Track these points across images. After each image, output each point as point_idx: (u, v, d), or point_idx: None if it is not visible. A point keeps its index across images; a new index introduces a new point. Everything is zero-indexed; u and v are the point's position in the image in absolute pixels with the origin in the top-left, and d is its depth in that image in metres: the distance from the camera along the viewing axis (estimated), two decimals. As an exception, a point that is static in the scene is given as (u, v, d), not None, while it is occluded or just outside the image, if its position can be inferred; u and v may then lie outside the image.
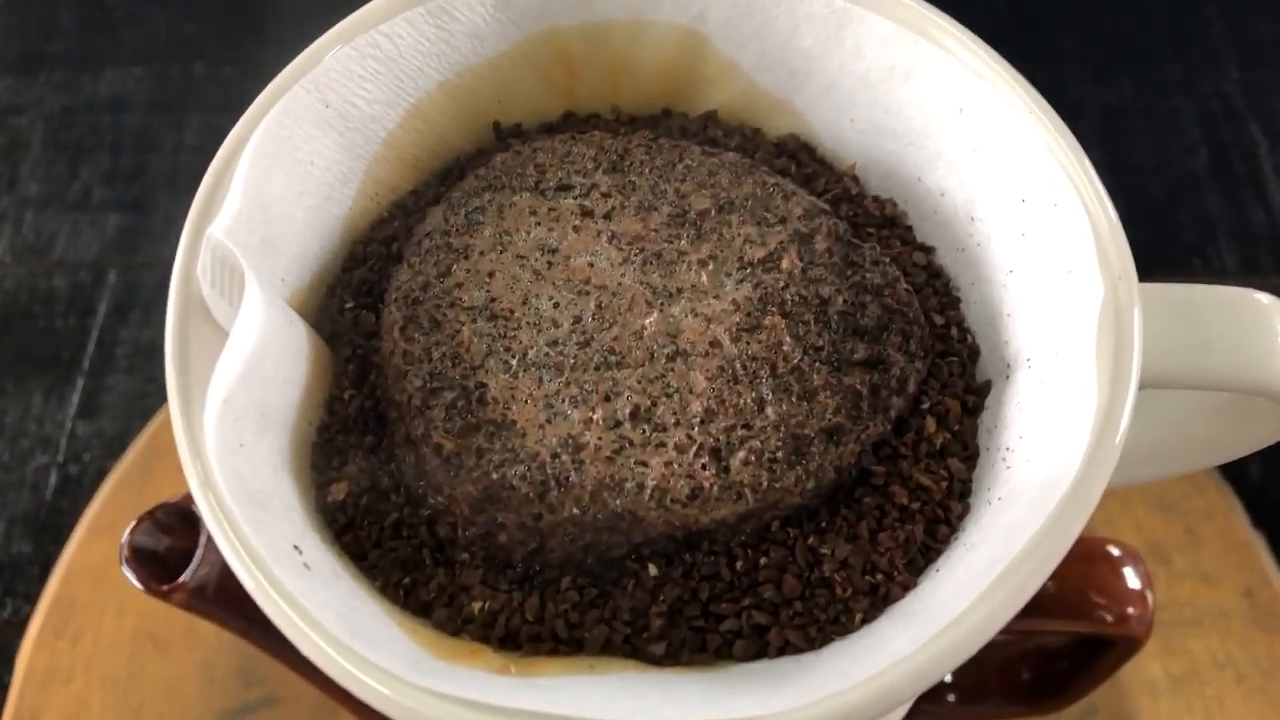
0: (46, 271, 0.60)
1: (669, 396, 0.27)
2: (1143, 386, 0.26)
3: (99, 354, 0.57)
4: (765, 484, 0.26)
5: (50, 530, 0.52)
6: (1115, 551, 0.34)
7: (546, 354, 0.28)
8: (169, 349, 0.26)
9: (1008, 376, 0.29)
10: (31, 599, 0.50)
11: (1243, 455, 0.31)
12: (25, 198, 0.62)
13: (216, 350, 0.26)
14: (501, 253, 0.30)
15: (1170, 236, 0.61)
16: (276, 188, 0.29)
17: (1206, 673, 0.47)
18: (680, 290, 0.29)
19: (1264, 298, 0.27)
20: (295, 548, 0.24)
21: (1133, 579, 0.34)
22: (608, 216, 0.31)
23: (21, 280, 0.59)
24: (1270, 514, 0.50)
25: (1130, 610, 0.34)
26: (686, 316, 0.29)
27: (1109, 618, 0.34)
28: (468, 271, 0.30)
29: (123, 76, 0.67)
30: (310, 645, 0.22)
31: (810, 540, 0.27)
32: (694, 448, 0.27)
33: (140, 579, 0.32)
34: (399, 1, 0.30)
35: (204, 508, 0.24)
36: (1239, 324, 0.27)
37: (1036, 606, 0.33)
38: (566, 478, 0.26)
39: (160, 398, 0.55)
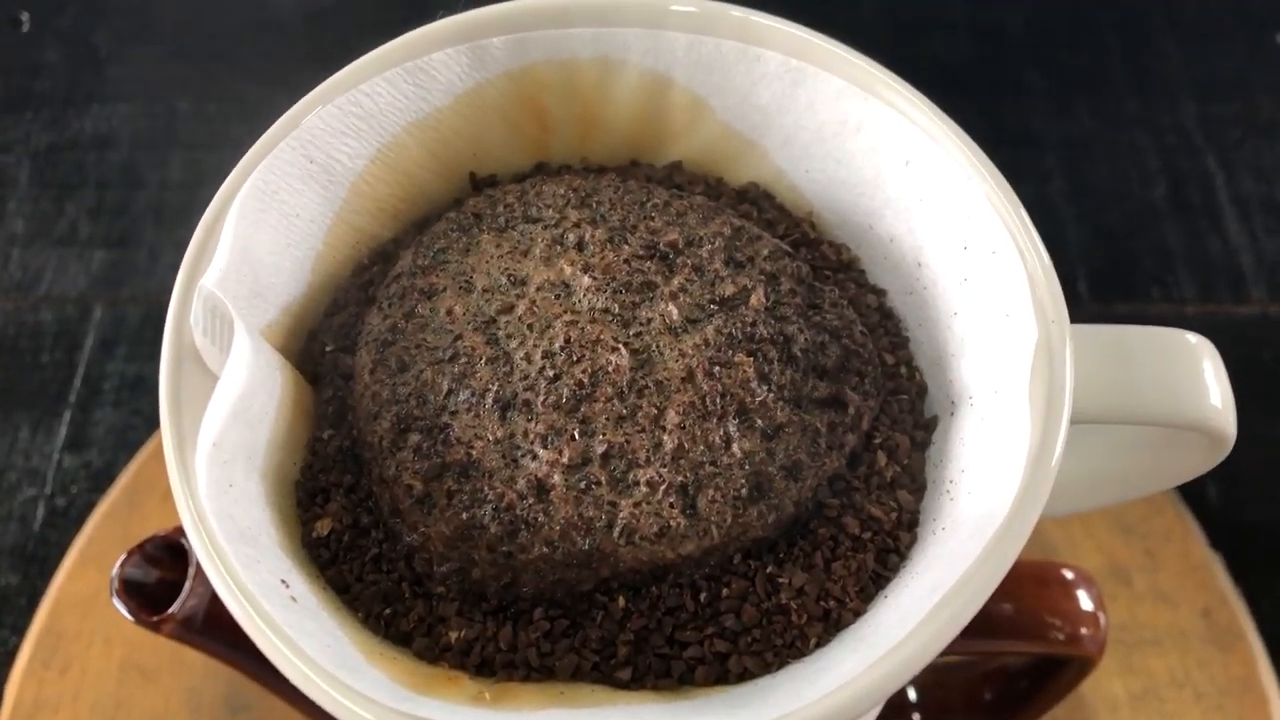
0: (33, 306, 0.61)
1: (640, 433, 0.28)
2: (1080, 422, 0.27)
3: (85, 388, 0.58)
4: (730, 520, 0.27)
5: (38, 562, 0.53)
6: (1069, 575, 0.36)
7: (515, 391, 0.29)
8: (163, 395, 0.27)
9: (952, 413, 0.30)
10: (20, 630, 0.50)
11: (1177, 484, 0.33)
12: (12, 234, 0.63)
13: (208, 396, 0.27)
14: (467, 291, 0.31)
15: (1130, 265, 0.63)
16: (264, 240, 0.30)
17: (1166, 691, 0.48)
18: (650, 322, 0.30)
19: (1192, 338, 0.29)
20: (283, 582, 0.26)
21: (1085, 601, 0.35)
22: (579, 246, 0.31)
23: (9, 315, 0.60)
24: (1227, 534, 0.52)
25: (1083, 630, 0.35)
26: (657, 350, 0.29)
27: (1062, 638, 0.35)
28: (432, 311, 0.30)
29: (108, 114, 0.68)
30: (298, 674, 0.24)
31: (769, 570, 0.28)
32: (663, 486, 0.27)
33: (131, 611, 0.33)
34: (379, 62, 0.32)
35: (198, 547, 0.25)
36: (1169, 363, 0.29)
37: (995, 628, 0.34)
38: (535, 519, 0.27)
39: (146, 431, 0.56)
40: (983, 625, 0.25)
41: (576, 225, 0.32)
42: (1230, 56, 0.70)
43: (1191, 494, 0.53)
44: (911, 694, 0.44)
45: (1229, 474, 0.32)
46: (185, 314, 0.28)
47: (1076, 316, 0.28)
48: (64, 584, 0.50)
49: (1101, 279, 0.62)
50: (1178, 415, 0.28)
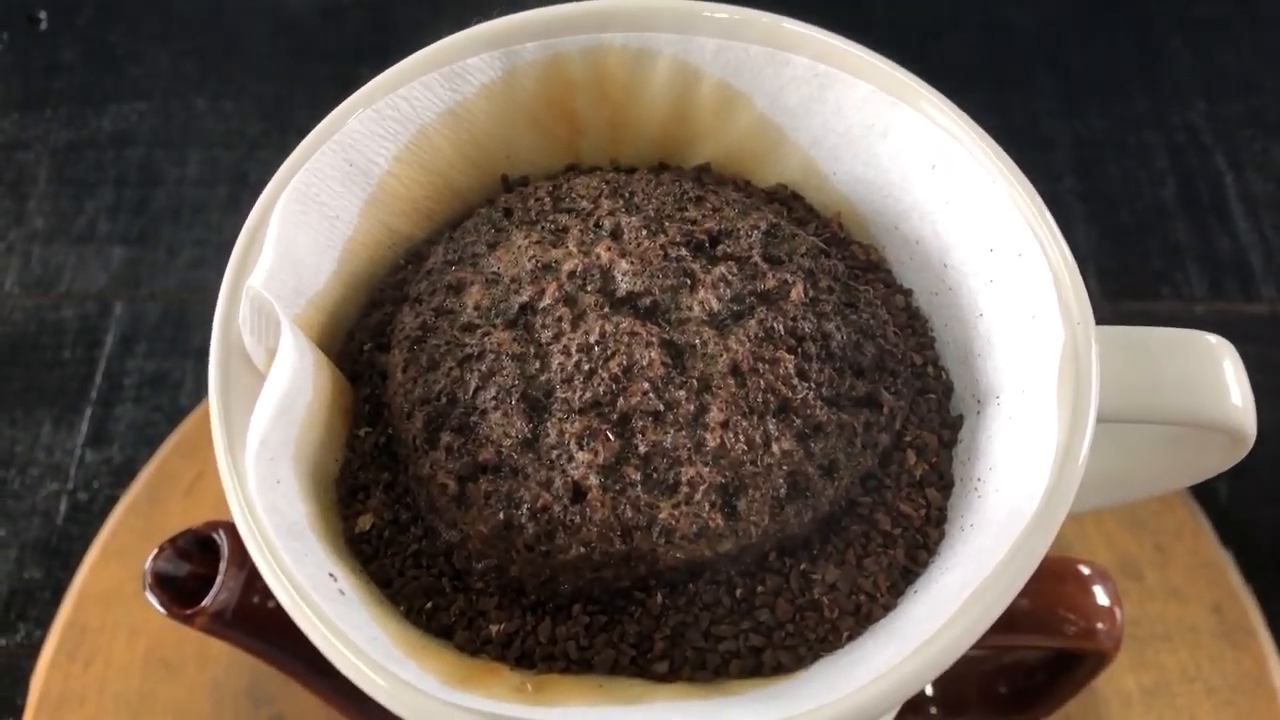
0: (54, 303, 0.61)
1: (680, 431, 0.28)
2: (1102, 421, 0.28)
3: (106, 384, 0.59)
4: (768, 520, 0.27)
5: (61, 556, 0.54)
6: (1085, 570, 0.36)
7: (547, 388, 0.28)
8: (213, 394, 0.28)
9: (979, 411, 0.31)
10: (44, 623, 0.51)
11: (1195, 482, 0.33)
12: (32, 231, 0.64)
13: (256, 393, 0.28)
14: (494, 284, 0.30)
15: (1140, 264, 0.63)
16: (304, 241, 0.31)
17: (1177, 685, 0.48)
18: (690, 313, 0.29)
19: (1212, 339, 0.30)
20: (330, 575, 0.26)
21: (1102, 596, 0.36)
22: (614, 234, 0.31)
23: (30, 312, 0.61)
24: (1237, 532, 0.52)
25: (1099, 625, 0.35)
26: (700, 343, 0.29)
27: (1079, 633, 0.35)
28: (460, 306, 0.30)
29: (126, 112, 0.69)
30: (350, 666, 0.24)
31: (803, 566, 0.28)
32: (704, 486, 0.27)
33: (163, 604, 0.33)
34: (416, 67, 0.32)
35: (249, 540, 0.25)
36: (1190, 363, 0.29)
37: (1012, 623, 0.35)
38: (572, 521, 0.27)
39: (167, 426, 0.56)
40: (1001, 620, 0.26)
41: (611, 214, 0.31)
42: (1239, 56, 0.71)
43: (1202, 492, 0.53)
44: (929, 688, 0.44)
45: (1239, 472, 0.32)
46: (233, 314, 0.29)
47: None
48: (87, 578, 0.51)
49: (1111, 277, 0.63)
50: (1199, 414, 0.29)
